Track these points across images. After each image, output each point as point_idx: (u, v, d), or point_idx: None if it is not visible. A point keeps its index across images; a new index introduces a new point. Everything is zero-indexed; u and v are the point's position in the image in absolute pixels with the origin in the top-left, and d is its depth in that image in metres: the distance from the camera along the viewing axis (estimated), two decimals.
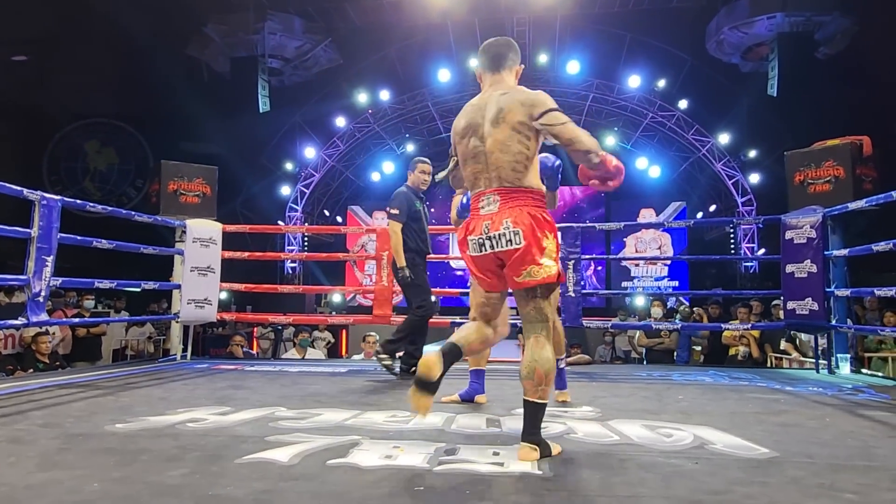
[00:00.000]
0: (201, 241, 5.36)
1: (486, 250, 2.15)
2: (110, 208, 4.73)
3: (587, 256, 12.88)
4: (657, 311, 6.93)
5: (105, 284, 4.60)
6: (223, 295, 12.01)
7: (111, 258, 6.30)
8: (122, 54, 12.45)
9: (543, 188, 2.24)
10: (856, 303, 5.83)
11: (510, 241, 2.09)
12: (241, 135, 13.93)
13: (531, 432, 2.08)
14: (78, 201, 4.35)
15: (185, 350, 5.44)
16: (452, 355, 2.19)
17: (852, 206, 4.29)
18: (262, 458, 1.97)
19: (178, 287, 5.31)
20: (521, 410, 2.89)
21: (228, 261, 5.64)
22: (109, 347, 8.44)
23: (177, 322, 5.38)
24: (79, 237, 4.19)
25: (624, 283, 15.29)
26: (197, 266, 5.33)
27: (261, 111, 14.46)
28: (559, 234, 2.67)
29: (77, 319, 6.52)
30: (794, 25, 12.12)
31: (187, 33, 14.25)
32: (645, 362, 6.85)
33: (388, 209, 4.32)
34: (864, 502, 1.67)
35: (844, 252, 4.41)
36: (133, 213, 4.99)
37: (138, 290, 5.74)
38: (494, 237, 2.11)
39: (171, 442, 2.19)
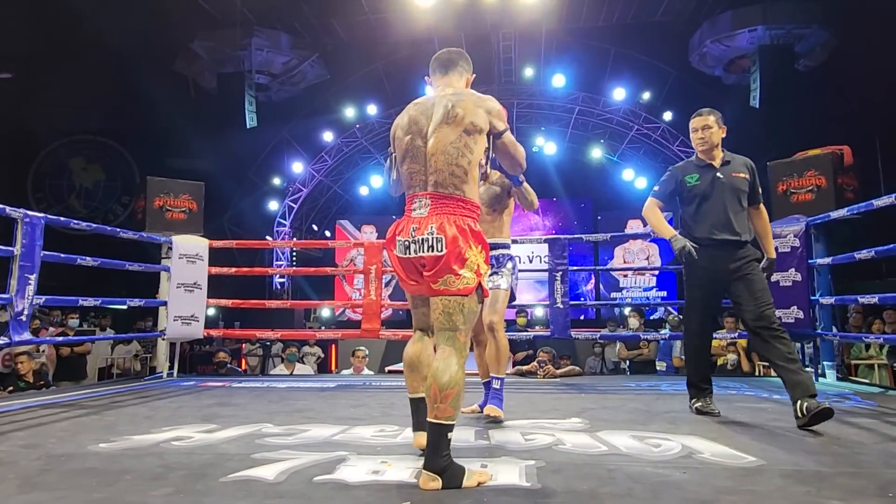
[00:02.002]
0: (188, 257, 5.33)
1: (410, 254, 2.08)
2: (95, 225, 4.70)
3: (574, 268, 12.90)
4: (634, 321, 6.96)
5: (89, 302, 4.55)
6: (211, 311, 11.93)
7: (96, 276, 6.24)
8: (108, 71, 12.42)
9: (477, 199, 2.17)
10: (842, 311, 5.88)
11: (432, 247, 2.03)
12: (229, 150, 13.89)
13: (430, 458, 1.88)
14: (62, 218, 4.32)
15: (171, 367, 5.38)
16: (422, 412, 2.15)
17: (834, 214, 4.35)
18: (248, 476, 1.95)
19: (165, 304, 5.26)
20: (514, 422, 2.89)
21: (216, 277, 5.60)
22: (95, 366, 8.34)
23: (163, 339, 5.33)
24: (63, 255, 4.15)
25: (613, 294, 15.35)
26: (183, 282, 5.29)
27: (248, 127, 14.46)
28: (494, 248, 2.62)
29: (61, 338, 6.44)
30: (775, 38, 12.33)
31: (174, 49, 14.26)
32: (628, 373, 6.86)
33: None
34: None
35: (828, 260, 4.46)
36: (118, 229, 4.96)
37: (124, 307, 5.69)
38: (419, 241, 2.05)
39: (155, 461, 2.16)
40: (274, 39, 14.50)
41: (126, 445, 2.42)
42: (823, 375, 4.73)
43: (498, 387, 3.08)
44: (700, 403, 3.22)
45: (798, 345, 5.56)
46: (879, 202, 3.80)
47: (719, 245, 3.16)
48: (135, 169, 14.24)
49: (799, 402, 2.74)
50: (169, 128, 12.86)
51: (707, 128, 3.26)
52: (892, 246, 3.72)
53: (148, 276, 5.51)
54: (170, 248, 5.31)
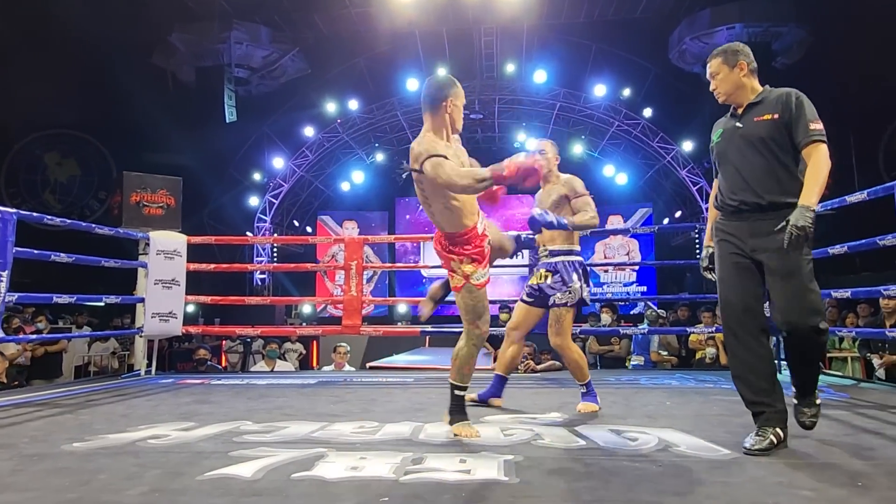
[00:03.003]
0: (165, 253, 5.26)
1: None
2: (69, 221, 4.62)
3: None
4: (606, 317, 6.99)
5: (64, 299, 4.47)
6: (190, 308, 11.80)
7: (72, 272, 6.15)
8: (83, 64, 12.19)
9: (457, 228, 2.60)
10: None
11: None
12: (208, 145, 13.73)
13: (450, 404, 2.69)
14: (35, 214, 4.24)
15: (149, 365, 5.32)
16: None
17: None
18: (225, 474, 1.94)
19: (142, 301, 5.20)
20: (490, 418, 2.92)
21: (195, 273, 5.54)
22: (71, 364, 8.22)
23: (140, 336, 5.27)
24: (36, 251, 4.07)
25: (594, 290, 15.47)
26: (161, 279, 5.22)
27: (227, 121, 14.29)
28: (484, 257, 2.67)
29: (36, 336, 6.33)
30: (753, 36, 12.46)
31: (151, 42, 14.02)
32: (598, 367, 6.90)
33: None
34: (821, 499, 1.72)
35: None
36: (93, 225, 4.88)
37: (101, 304, 5.61)
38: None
39: (130, 460, 2.14)
40: (253, 33, 14.34)
41: (101, 444, 2.39)
42: None
43: (586, 390, 3.30)
44: (760, 438, 2.24)
45: (773, 338, 5.66)
46: (852, 198, 3.87)
47: (736, 213, 2.42)
48: (111, 164, 14.02)
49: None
50: (146, 122, 12.66)
51: (714, 75, 2.57)
52: (865, 241, 3.79)
53: (125, 272, 5.43)
54: (147, 245, 5.24)
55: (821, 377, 4.59)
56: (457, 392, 2.68)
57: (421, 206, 2.74)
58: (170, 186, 5.83)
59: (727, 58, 2.53)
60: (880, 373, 5.06)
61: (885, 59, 10.55)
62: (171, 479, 1.89)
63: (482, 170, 2.42)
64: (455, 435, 2.54)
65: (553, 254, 3.34)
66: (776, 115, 2.37)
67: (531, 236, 3.52)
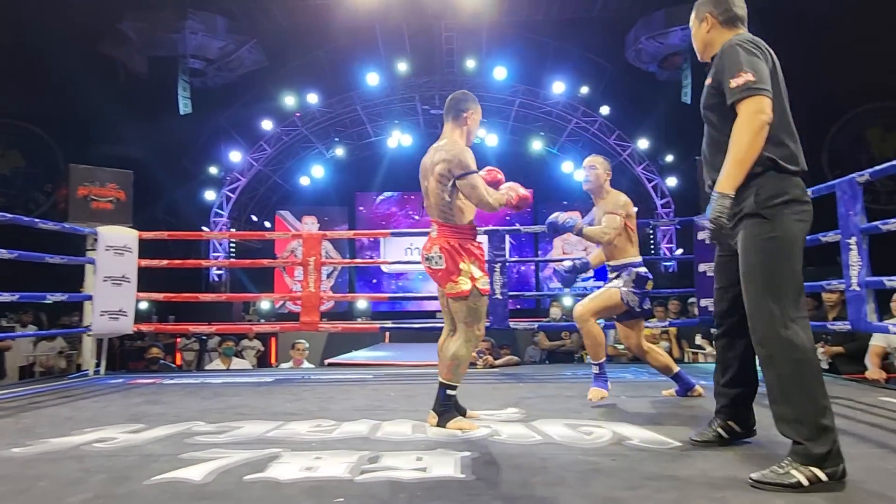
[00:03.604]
0: (115, 249, 5.09)
1: (428, 264, 2.79)
2: (10, 215, 4.42)
3: (513, 259, 13.03)
4: (556, 311, 7.08)
5: (6, 298, 4.28)
6: (143, 305, 11.47)
7: (16, 269, 5.89)
8: (27, 50, 11.69)
9: (469, 222, 2.80)
10: None
11: (436, 262, 2.75)
12: (162, 137, 13.33)
13: (435, 404, 2.72)
14: None
15: (98, 365, 5.15)
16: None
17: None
18: (174, 478, 1.89)
19: (90, 298, 5.02)
20: None
21: (148, 269, 5.38)
22: (15, 364, 7.88)
23: (88, 335, 5.09)
24: None
25: (552, 285, 15.65)
26: (110, 276, 5.05)
27: (182, 113, 13.91)
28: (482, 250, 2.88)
29: None
30: None
31: (100, 30, 13.52)
32: (547, 362, 7.00)
33: None
34: (766, 490, 1.77)
35: None
36: (36, 220, 4.68)
37: (47, 302, 5.39)
38: (431, 258, 2.77)
39: (73, 465, 2.06)
40: (209, 23, 13.97)
41: (42, 449, 2.30)
42: None
43: (597, 371, 3.37)
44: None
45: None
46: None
47: (708, 199, 2.04)
48: (58, 155, 13.50)
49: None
50: (96, 113, 12.22)
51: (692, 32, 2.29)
52: (808, 237, 3.92)
53: (72, 269, 5.24)
54: (95, 240, 5.06)
55: None
56: (449, 392, 2.70)
57: (423, 204, 2.88)
58: (120, 180, 5.64)
59: (697, 10, 2.24)
60: (823, 364, 5.26)
61: (829, 63, 10.98)
62: (116, 485, 1.83)
63: (501, 195, 2.85)
64: (461, 430, 2.57)
65: (613, 269, 3.56)
66: (710, 80, 2.10)
67: (583, 260, 3.71)
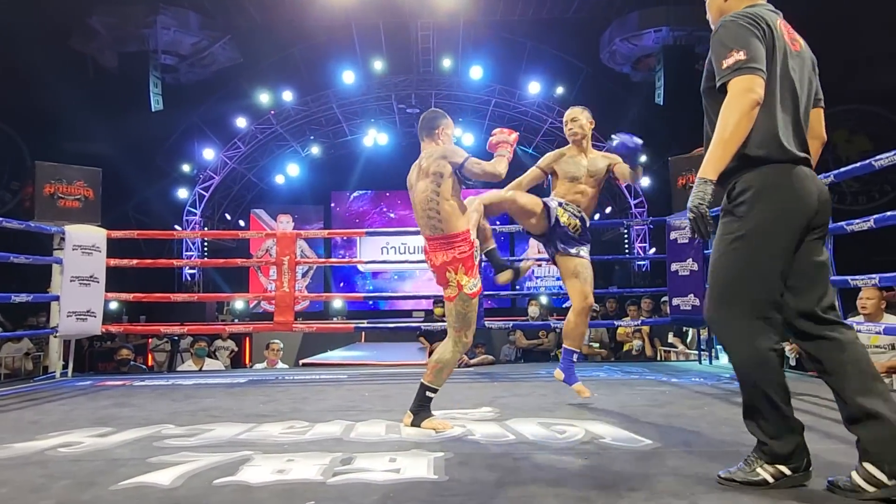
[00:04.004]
0: (83, 248, 4.98)
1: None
2: None
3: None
4: (534, 310, 7.12)
5: None
6: (113, 305, 11.24)
7: None
8: None
9: (457, 228, 2.73)
10: None
11: (433, 272, 2.87)
12: (132, 135, 13.06)
13: (413, 403, 2.75)
14: None
15: (65, 367, 5.03)
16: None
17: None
18: (142, 483, 1.85)
19: (57, 299, 4.90)
20: None
21: (119, 269, 5.28)
22: None
23: (55, 336, 4.97)
24: None
25: (528, 284, 15.73)
26: (78, 276, 4.94)
27: (153, 110, 13.66)
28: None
29: None
30: (678, 39, 12.95)
31: (69, 24, 13.22)
32: (522, 361, 7.04)
33: None
34: (736, 488, 1.79)
35: None
36: (1, 219, 4.55)
37: (12, 302, 5.25)
38: (431, 266, 2.86)
39: (37, 471, 2.00)
40: (181, 18, 13.75)
41: (5, 455, 2.24)
42: (717, 358, 5.05)
43: (575, 359, 3.35)
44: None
45: (694, 330, 5.91)
46: None
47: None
48: (25, 152, 13.16)
49: None
50: (64, 109, 11.94)
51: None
52: None
53: (39, 268, 5.11)
54: (62, 239, 4.95)
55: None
56: (429, 394, 2.75)
57: (418, 211, 2.82)
58: (88, 177, 5.50)
59: None
60: (791, 360, 5.36)
61: None
62: (81, 491, 1.79)
63: (502, 157, 2.86)
64: (435, 430, 2.60)
65: (583, 220, 3.46)
66: (704, 61, 1.94)
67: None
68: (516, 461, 2.10)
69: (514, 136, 2.94)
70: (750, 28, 1.79)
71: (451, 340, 2.81)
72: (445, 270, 2.77)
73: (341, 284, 16.77)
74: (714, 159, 1.75)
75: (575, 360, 3.35)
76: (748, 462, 1.81)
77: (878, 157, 3.13)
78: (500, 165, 2.81)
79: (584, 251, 3.42)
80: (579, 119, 3.56)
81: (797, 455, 1.78)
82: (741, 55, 1.75)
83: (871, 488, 1.64)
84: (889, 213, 3.15)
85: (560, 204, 3.43)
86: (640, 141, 3.08)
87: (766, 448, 1.79)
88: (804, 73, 1.88)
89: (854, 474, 1.68)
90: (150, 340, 9.31)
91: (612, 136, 3.14)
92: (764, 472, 1.77)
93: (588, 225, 3.50)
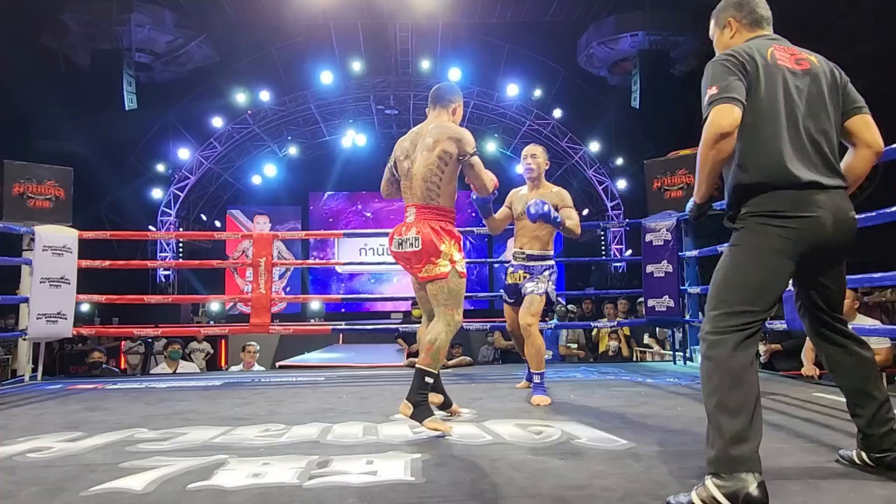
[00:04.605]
0: (53, 249, 4.88)
1: (402, 248, 2.75)
2: None
3: (469, 260, 13.01)
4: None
5: None
6: (85, 307, 11.03)
7: None
8: None
9: (452, 207, 2.79)
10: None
11: (412, 244, 2.70)
12: (106, 133, 12.84)
13: (411, 391, 2.59)
14: None
15: (35, 370, 4.92)
16: (437, 380, 2.74)
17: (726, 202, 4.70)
18: (113, 488, 1.82)
19: (26, 300, 4.80)
20: (399, 416, 2.92)
21: (91, 270, 5.18)
22: None
23: (24, 339, 4.86)
24: None
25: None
26: (48, 277, 4.84)
27: (127, 108, 13.46)
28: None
29: None
30: (654, 43, 13.15)
31: (40, 20, 12.96)
32: (500, 361, 7.08)
33: None
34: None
35: (695, 253, 4.83)
36: None
37: None
38: (405, 240, 2.73)
39: (4, 477, 1.96)
40: (156, 16, 13.58)
41: None
42: (691, 359, 5.12)
43: (539, 381, 3.43)
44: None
45: (669, 331, 5.99)
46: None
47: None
48: None
49: None
50: (35, 106, 11.71)
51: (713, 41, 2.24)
52: None
53: (7, 270, 5.00)
54: (32, 240, 4.84)
55: None
56: (427, 378, 2.59)
57: (386, 192, 2.95)
58: (59, 177, 5.39)
59: (717, 18, 2.16)
60: (764, 359, 5.47)
61: None
62: (50, 497, 1.75)
63: (492, 177, 2.91)
64: (435, 431, 2.51)
65: (530, 258, 3.69)
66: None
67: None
68: (493, 462, 2.11)
69: (496, 184, 2.96)
70: (727, 66, 1.87)
71: (443, 320, 2.69)
72: (438, 241, 2.66)
73: (320, 284, 16.67)
74: (697, 187, 1.90)
75: (538, 380, 3.45)
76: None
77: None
78: (492, 181, 2.87)
79: (531, 285, 3.60)
80: (538, 157, 3.72)
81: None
82: (713, 90, 1.83)
83: None
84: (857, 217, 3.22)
85: (510, 264, 3.80)
86: (546, 207, 3.30)
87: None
88: (818, 90, 1.91)
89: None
90: (123, 343, 9.16)
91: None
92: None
93: (536, 254, 3.72)
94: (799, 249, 1.81)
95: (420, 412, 2.54)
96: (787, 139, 1.84)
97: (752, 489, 1.58)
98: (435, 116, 2.88)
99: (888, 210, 2.92)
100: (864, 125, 1.98)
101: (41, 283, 4.79)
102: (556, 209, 3.52)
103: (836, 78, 1.96)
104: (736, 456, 1.62)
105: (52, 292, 4.84)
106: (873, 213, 2.96)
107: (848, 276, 3.37)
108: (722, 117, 1.78)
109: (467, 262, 2.90)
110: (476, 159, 2.76)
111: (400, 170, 2.85)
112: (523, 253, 3.72)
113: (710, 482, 1.63)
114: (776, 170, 1.83)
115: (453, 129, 2.77)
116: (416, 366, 2.62)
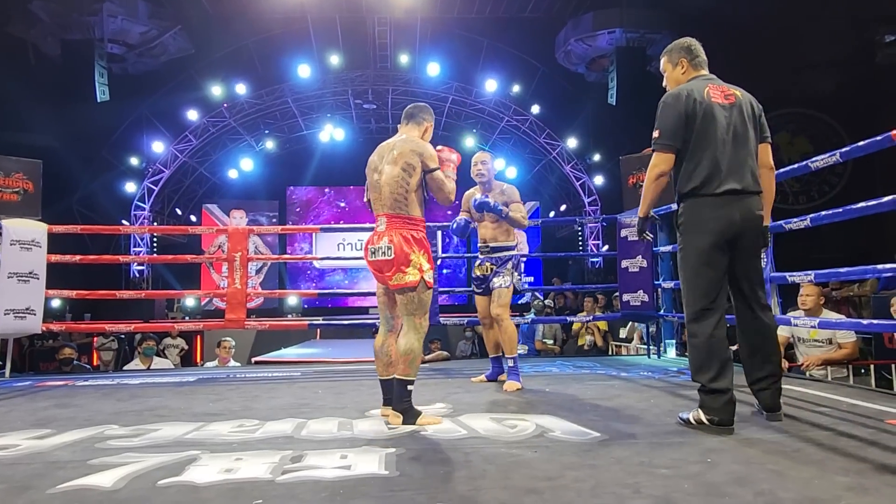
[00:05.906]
0: (21, 243, 4.78)
1: (375, 257, 2.81)
2: None
3: (444, 255, 13.11)
4: None
5: None
6: (56, 303, 10.83)
7: None
8: None
9: (421, 216, 2.87)
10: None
11: (384, 253, 2.77)
12: (76, 125, 12.57)
13: (396, 402, 2.72)
14: None
15: (2, 367, 4.83)
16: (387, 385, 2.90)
17: (675, 206, 4.77)
18: (82, 485, 1.80)
19: None
20: (376, 412, 2.92)
21: (62, 265, 5.08)
22: None
23: None
24: None
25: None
26: (16, 272, 4.74)
27: (99, 100, 13.18)
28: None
29: None
30: (630, 41, 13.25)
31: (8, 9, 12.62)
32: (478, 356, 7.12)
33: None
34: (676, 475, 1.86)
35: (669, 248, 4.90)
36: None
37: None
38: (378, 249, 2.80)
39: None
40: (129, 6, 13.29)
41: None
42: (665, 352, 5.20)
43: (512, 364, 3.70)
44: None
45: (633, 324, 6.06)
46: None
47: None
48: None
49: None
50: (2, 97, 11.41)
51: (664, 75, 2.85)
52: None
53: None
54: None
55: (686, 360, 4.96)
56: (409, 388, 2.72)
57: (364, 199, 3.03)
58: (28, 170, 5.30)
59: (670, 55, 2.71)
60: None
61: (741, 71, 11.57)
62: (16, 495, 1.72)
63: (451, 180, 2.93)
64: (424, 426, 2.61)
65: (494, 249, 3.92)
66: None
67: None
68: (467, 455, 2.12)
69: (457, 155, 3.01)
70: (675, 107, 2.47)
71: (412, 328, 2.77)
72: (409, 250, 2.74)
73: (302, 278, 16.56)
74: (641, 204, 2.66)
75: (511, 364, 3.71)
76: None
77: (813, 158, 3.27)
78: (452, 187, 2.92)
79: (498, 279, 3.84)
80: (488, 163, 3.94)
81: (718, 410, 2.37)
82: (657, 134, 2.50)
83: None
84: (823, 213, 3.30)
85: (477, 256, 4.05)
86: (485, 197, 3.73)
87: (700, 401, 2.43)
88: (741, 118, 2.49)
89: None
90: (95, 339, 9.00)
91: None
92: (690, 416, 2.46)
93: (500, 245, 3.94)
94: (719, 242, 2.43)
95: (410, 416, 2.66)
96: (717, 158, 2.42)
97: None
98: (406, 131, 2.97)
99: (853, 206, 2.98)
100: (766, 151, 2.63)
101: (9, 277, 4.69)
102: (507, 205, 3.78)
103: (754, 108, 2.56)
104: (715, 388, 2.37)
105: (21, 287, 4.75)
106: (840, 210, 3.02)
107: (815, 271, 3.47)
108: (662, 161, 2.49)
109: (447, 258, 2.94)
110: (438, 174, 2.84)
111: (370, 182, 2.93)
112: (487, 246, 3.95)
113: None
114: (707, 182, 2.42)
115: (417, 142, 2.87)
116: (396, 377, 2.73)
